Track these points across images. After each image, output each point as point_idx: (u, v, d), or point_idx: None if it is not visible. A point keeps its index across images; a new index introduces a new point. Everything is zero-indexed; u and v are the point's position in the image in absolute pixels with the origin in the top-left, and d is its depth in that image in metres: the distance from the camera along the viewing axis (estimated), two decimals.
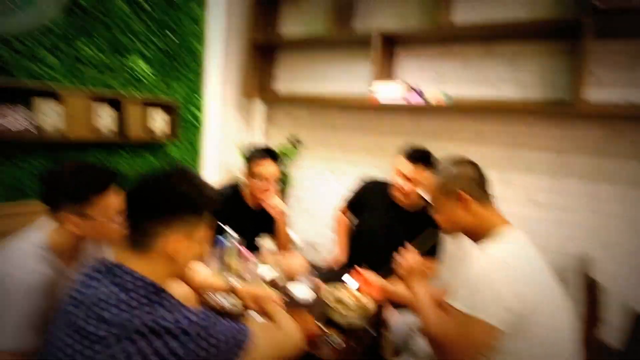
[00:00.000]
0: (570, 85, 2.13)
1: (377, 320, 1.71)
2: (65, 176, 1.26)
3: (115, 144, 2.39)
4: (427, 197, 1.85)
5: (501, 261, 1.15)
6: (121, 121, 2.31)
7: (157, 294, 0.92)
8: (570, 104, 2.03)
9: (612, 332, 2.00)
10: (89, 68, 2.16)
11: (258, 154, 2.21)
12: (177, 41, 2.62)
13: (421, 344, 1.66)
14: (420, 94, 2.37)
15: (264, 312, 1.34)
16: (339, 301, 1.68)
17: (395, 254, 1.60)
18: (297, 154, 3.20)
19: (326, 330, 1.54)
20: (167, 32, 2.54)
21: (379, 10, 2.74)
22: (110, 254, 1.55)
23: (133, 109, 2.33)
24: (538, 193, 2.33)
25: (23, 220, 1.55)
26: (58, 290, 1.28)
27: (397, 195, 2.11)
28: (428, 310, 1.34)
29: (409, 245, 1.56)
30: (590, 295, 1.99)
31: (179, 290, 1.42)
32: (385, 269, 1.87)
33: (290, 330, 1.16)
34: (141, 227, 0.97)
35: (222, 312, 1.57)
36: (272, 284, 1.84)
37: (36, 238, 1.27)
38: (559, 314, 1.17)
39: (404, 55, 2.67)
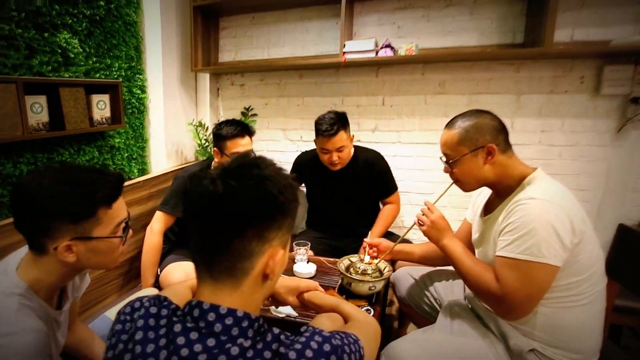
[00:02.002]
0: (527, 28, 2.26)
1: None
2: (56, 188, 0.91)
3: (50, 140, 1.99)
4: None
5: (552, 204, 1.15)
6: (56, 112, 1.92)
7: (262, 328, 0.72)
8: (530, 47, 2.15)
9: None
10: (8, 51, 1.73)
11: (232, 131, 2.05)
12: (110, 12, 2.22)
13: (433, 294, 1.70)
14: (390, 47, 2.33)
15: (306, 306, 1.18)
16: (356, 270, 1.67)
17: (422, 210, 1.55)
18: (253, 125, 3.01)
19: (357, 305, 1.53)
20: (99, 1, 2.13)
21: None
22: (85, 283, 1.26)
23: (69, 95, 1.94)
24: None
25: None
26: (52, 344, 1.01)
27: (332, 168, 2.20)
28: (472, 265, 1.31)
29: (428, 202, 1.53)
30: None
31: None
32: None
33: (367, 319, 1.03)
34: (230, 250, 0.71)
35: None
36: None
37: (10, 283, 0.94)
38: (593, 238, 1.22)
39: (362, 12, 2.58)
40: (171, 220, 2.11)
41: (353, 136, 2.22)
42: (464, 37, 2.42)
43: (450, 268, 1.60)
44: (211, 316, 0.69)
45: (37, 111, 1.83)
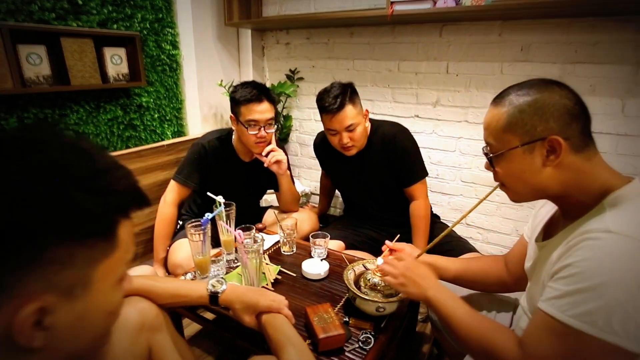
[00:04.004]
0: None
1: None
2: None
3: (60, 95, 1.85)
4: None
5: None
6: (59, 64, 1.76)
7: None
8: None
9: None
10: None
11: (246, 94, 1.74)
12: None
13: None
14: None
15: (262, 331, 0.98)
16: (366, 282, 1.27)
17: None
18: (297, 90, 2.69)
19: (359, 327, 1.19)
20: None
21: None
22: None
23: (72, 46, 1.75)
24: (603, 120, 1.85)
25: None
26: None
27: (346, 152, 1.79)
28: (472, 323, 0.94)
29: (389, 243, 1.22)
30: None
31: (131, 315, 0.95)
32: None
33: None
34: None
35: None
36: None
37: None
38: None
39: None
40: (185, 191, 1.91)
41: (367, 112, 1.81)
42: None
43: (497, 294, 1.27)
44: None
45: (35, 63, 1.67)
